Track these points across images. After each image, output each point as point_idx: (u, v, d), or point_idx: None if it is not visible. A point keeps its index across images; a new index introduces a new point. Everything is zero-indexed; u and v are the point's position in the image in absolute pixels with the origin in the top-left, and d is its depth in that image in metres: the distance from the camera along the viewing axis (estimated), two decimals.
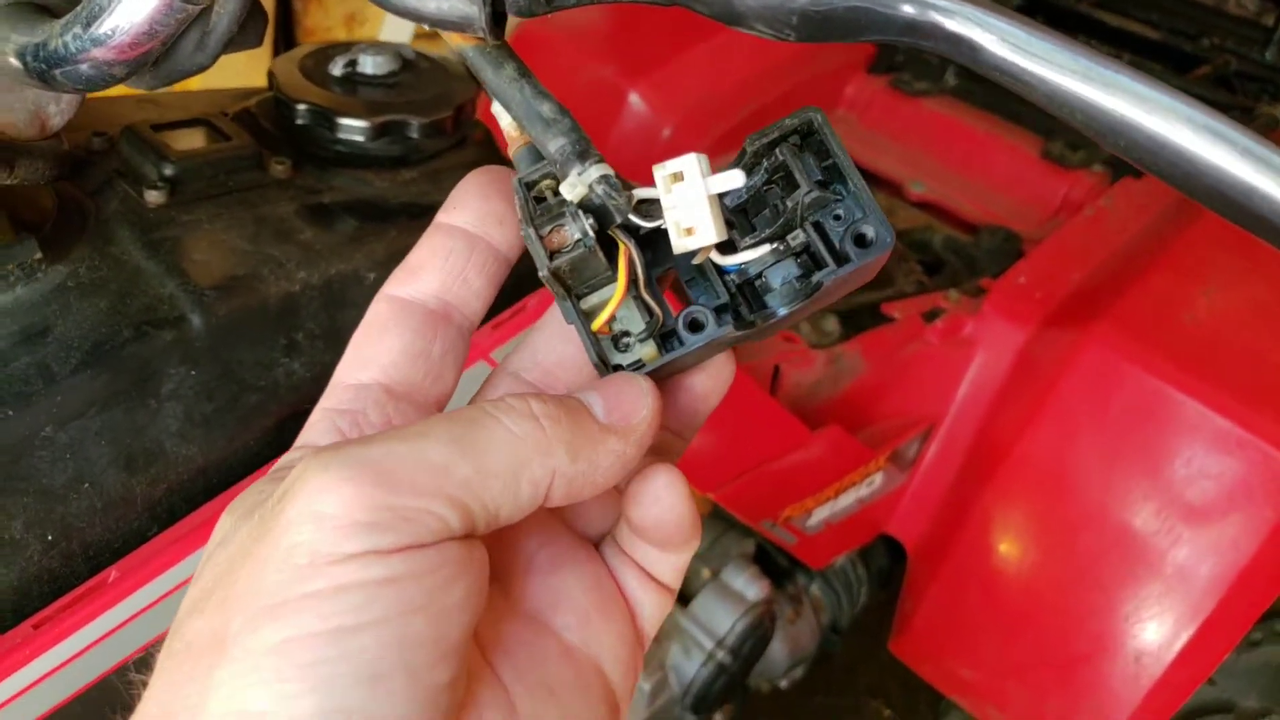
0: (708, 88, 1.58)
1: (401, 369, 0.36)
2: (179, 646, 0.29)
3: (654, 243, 0.37)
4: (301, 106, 0.69)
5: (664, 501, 0.35)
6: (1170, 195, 1.45)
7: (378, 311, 0.36)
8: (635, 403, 0.34)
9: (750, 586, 1.20)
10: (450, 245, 0.36)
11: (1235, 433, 1.11)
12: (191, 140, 0.65)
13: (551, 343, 0.39)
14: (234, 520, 0.31)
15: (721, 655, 1.16)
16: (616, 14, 1.69)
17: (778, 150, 0.35)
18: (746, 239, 0.36)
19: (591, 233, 0.34)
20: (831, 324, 1.30)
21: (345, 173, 0.69)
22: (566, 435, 0.32)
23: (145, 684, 0.29)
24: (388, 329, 0.36)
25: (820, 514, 1.21)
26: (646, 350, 0.37)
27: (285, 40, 2.19)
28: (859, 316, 1.35)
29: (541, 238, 0.34)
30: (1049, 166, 1.59)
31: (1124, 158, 0.26)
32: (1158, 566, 1.14)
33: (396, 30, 2.02)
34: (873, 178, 1.65)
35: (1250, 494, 1.11)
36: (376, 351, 0.36)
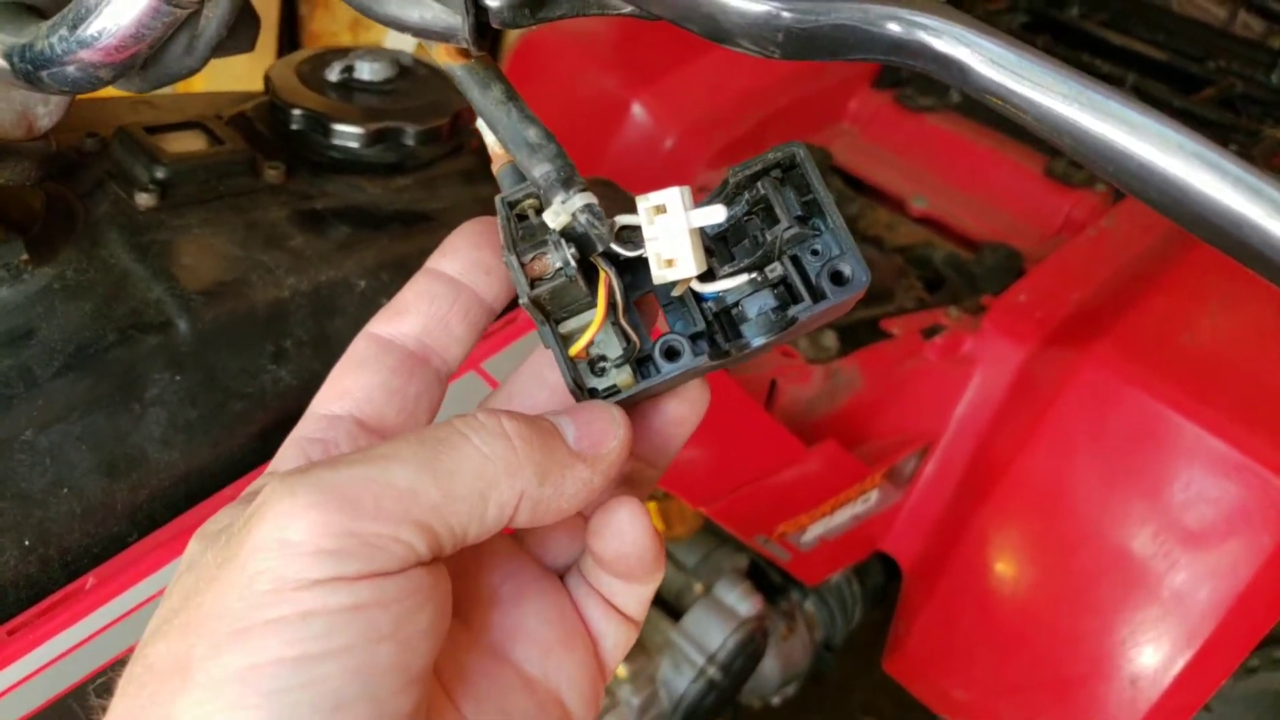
0: (711, 99, 1.58)
1: (375, 404, 0.36)
2: (139, 670, 0.29)
3: (634, 266, 0.37)
4: (296, 111, 0.69)
5: (626, 535, 0.35)
6: None
7: (358, 348, 0.37)
8: (606, 432, 0.34)
9: (743, 602, 1.19)
10: (435, 290, 0.37)
11: (1234, 457, 1.10)
12: (185, 143, 0.65)
13: (528, 387, 0.40)
14: (201, 544, 0.31)
15: (712, 671, 1.15)
16: (620, 24, 1.69)
17: (759, 183, 0.35)
18: (725, 268, 0.36)
19: (573, 262, 0.34)
20: (829, 339, 1.30)
21: (339, 179, 0.69)
22: (537, 457, 0.32)
23: (105, 709, 0.29)
24: (365, 364, 0.36)
25: (815, 530, 1.20)
26: (622, 376, 0.37)
27: (290, 45, 2.19)
28: (857, 332, 1.34)
29: (523, 265, 0.35)
30: (1052, 184, 1.58)
31: (1113, 183, 0.26)
32: (1155, 590, 1.13)
33: (402, 37, 2.02)
34: (874, 192, 1.64)
35: (1249, 519, 1.10)
36: (352, 385, 0.36)
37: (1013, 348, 1.26)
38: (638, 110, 1.56)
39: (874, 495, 1.26)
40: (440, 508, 0.29)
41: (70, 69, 0.42)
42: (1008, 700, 1.24)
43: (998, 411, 1.27)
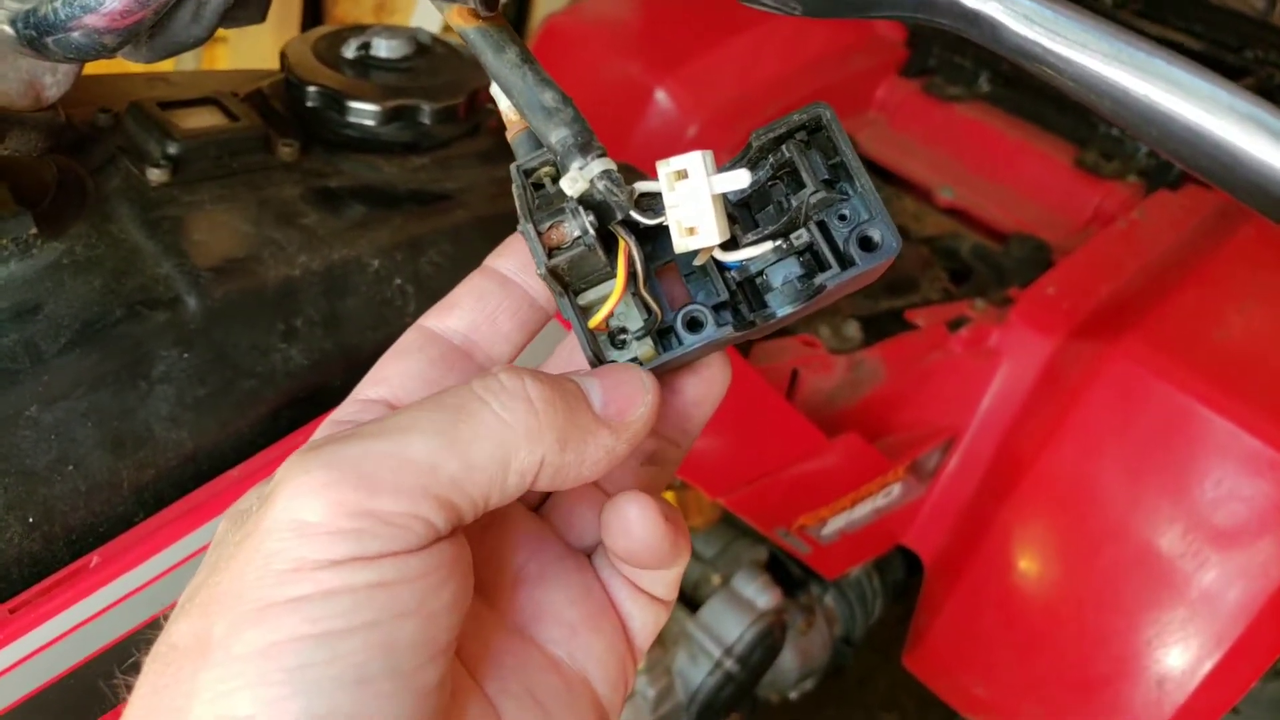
0: (735, 86, 1.56)
1: (410, 391, 0.36)
2: (164, 649, 0.28)
3: (654, 234, 0.36)
4: (312, 88, 0.68)
5: (634, 533, 0.34)
6: (1205, 209, 1.42)
7: (404, 339, 0.37)
8: (634, 396, 0.33)
9: (761, 595, 1.17)
10: (486, 287, 0.37)
11: (1267, 454, 1.07)
12: (198, 119, 0.64)
13: None
14: (228, 524, 0.31)
15: (729, 664, 1.14)
16: (645, 9, 1.68)
17: (784, 146, 0.34)
18: (749, 235, 0.35)
19: (592, 230, 0.33)
20: (853, 329, 1.28)
21: (354, 157, 0.68)
22: (560, 422, 0.31)
23: (131, 687, 0.29)
24: (407, 354, 0.36)
25: (836, 523, 1.18)
26: (644, 349, 0.36)
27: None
28: (881, 323, 1.32)
29: (540, 234, 0.33)
30: (1082, 176, 1.55)
31: (1158, 149, 0.24)
32: (1183, 590, 1.11)
33: (426, 21, 2.01)
34: (901, 182, 1.62)
35: None
36: (391, 373, 0.36)
37: (1040, 340, 1.23)
38: (661, 97, 1.55)
39: (896, 489, 1.24)
40: (459, 479, 0.29)
41: (75, 35, 0.41)
42: (1030, 699, 1.21)
43: (1023, 405, 1.25)
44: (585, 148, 0.34)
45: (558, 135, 0.34)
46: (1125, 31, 0.24)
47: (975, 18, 0.25)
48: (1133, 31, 0.24)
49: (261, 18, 0.50)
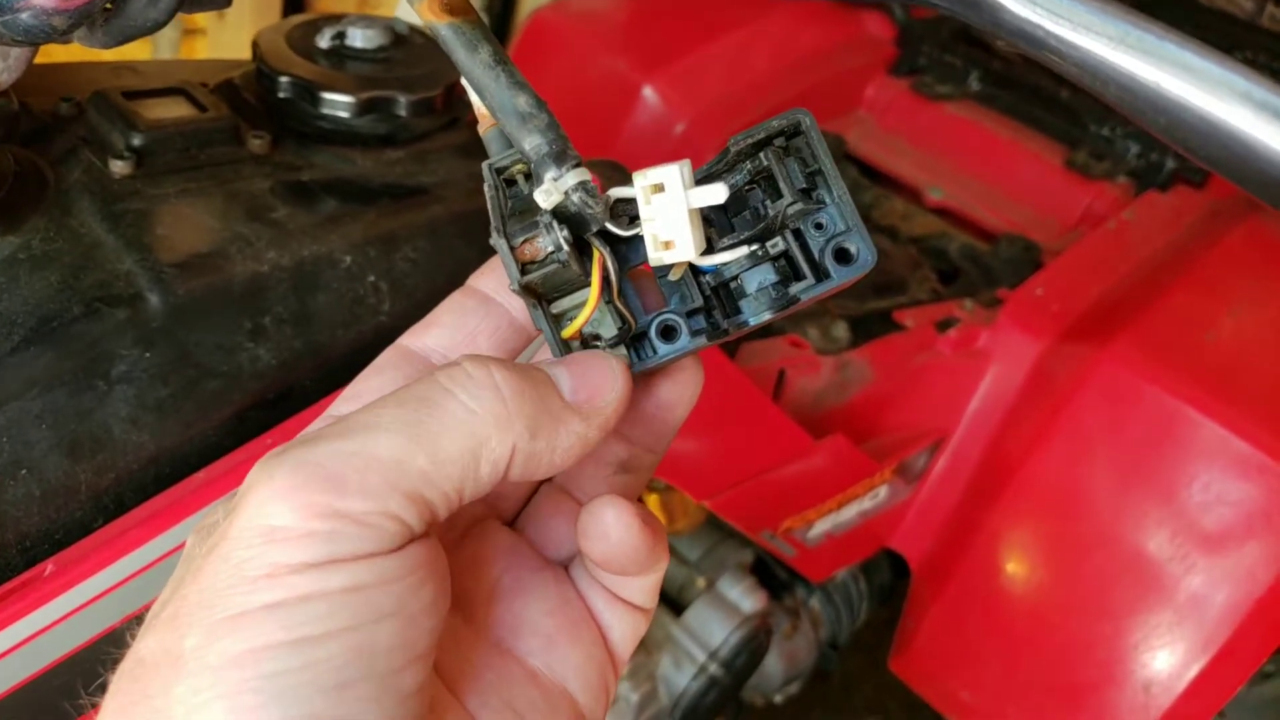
0: (724, 84, 1.55)
1: None
2: (130, 665, 0.28)
3: (629, 237, 0.35)
4: (284, 79, 0.66)
5: (611, 537, 0.33)
6: (1196, 211, 1.41)
7: (382, 357, 0.36)
8: (603, 383, 0.32)
9: (746, 598, 1.16)
10: (466, 306, 0.37)
11: (1256, 458, 1.06)
12: (164, 109, 0.62)
13: None
14: (195, 538, 0.30)
15: (714, 668, 1.12)
16: (633, 4, 1.66)
17: (762, 154, 0.33)
18: (725, 239, 0.34)
19: (566, 246, 0.32)
20: (840, 330, 1.26)
21: (327, 150, 0.66)
22: (529, 410, 0.30)
23: (98, 706, 0.28)
24: (382, 371, 0.36)
25: (822, 526, 1.17)
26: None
27: None
28: (869, 323, 1.30)
29: (513, 249, 0.32)
30: (1072, 176, 1.54)
31: (1166, 140, 0.22)
32: (1170, 594, 1.10)
33: (408, 13, 1.99)
34: (890, 181, 1.61)
35: (1269, 522, 1.06)
36: (363, 389, 0.35)
37: (1028, 342, 1.22)
38: (649, 94, 1.53)
39: (883, 491, 1.22)
40: (429, 474, 0.28)
41: (23, 16, 0.39)
42: (1017, 704, 1.20)
43: (1012, 407, 1.23)
44: (560, 157, 0.33)
45: (531, 142, 0.33)
46: (1133, 13, 0.22)
47: (974, 0, 0.23)
48: (1141, 14, 0.22)
49: (227, 2, 0.48)
